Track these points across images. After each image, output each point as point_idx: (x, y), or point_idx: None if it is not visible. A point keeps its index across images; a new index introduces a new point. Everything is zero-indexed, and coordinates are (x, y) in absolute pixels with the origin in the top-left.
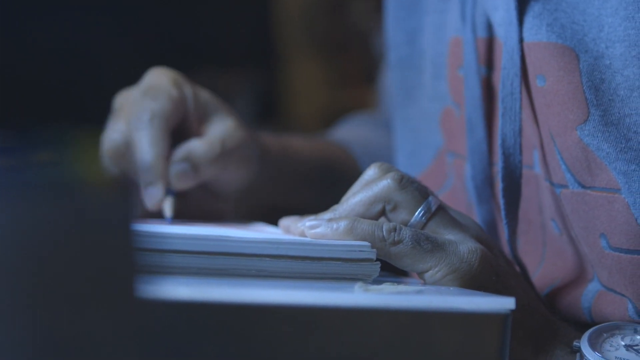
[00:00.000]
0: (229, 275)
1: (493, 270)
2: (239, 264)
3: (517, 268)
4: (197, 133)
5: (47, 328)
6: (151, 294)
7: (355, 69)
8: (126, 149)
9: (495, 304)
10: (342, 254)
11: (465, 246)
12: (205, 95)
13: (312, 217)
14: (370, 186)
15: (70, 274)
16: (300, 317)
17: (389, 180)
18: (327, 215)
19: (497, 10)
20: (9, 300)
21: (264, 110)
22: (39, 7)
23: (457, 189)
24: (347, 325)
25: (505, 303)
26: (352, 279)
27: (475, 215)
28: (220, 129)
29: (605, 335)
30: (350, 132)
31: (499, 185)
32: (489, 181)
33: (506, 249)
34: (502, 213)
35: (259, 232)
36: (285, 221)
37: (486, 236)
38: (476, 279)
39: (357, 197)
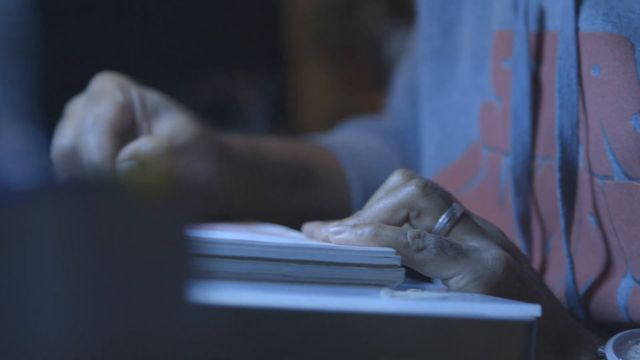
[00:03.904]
0: (255, 279)
1: (517, 277)
2: (265, 268)
3: (569, 262)
4: (148, 133)
5: (104, 326)
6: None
7: (365, 73)
8: (74, 154)
9: (521, 311)
10: (367, 260)
11: (489, 253)
12: (153, 96)
13: (336, 222)
14: (394, 192)
15: (125, 276)
16: (327, 322)
17: (413, 187)
18: (351, 221)
19: (555, 0)
20: (66, 299)
21: (273, 113)
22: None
23: (489, 183)
24: (374, 331)
25: (530, 310)
26: (377, 285)
27: (511, 207)
28: (169, 126)
29: (630, 342)
30: (342, 137)
31: (538, 179)
32: (529, 173)
33: (537, 245)
34: (559, 204)
35: (283, 237)
36: (308, 226)
37: (510, 243)
38: (500, 286)
39: (381, 203)
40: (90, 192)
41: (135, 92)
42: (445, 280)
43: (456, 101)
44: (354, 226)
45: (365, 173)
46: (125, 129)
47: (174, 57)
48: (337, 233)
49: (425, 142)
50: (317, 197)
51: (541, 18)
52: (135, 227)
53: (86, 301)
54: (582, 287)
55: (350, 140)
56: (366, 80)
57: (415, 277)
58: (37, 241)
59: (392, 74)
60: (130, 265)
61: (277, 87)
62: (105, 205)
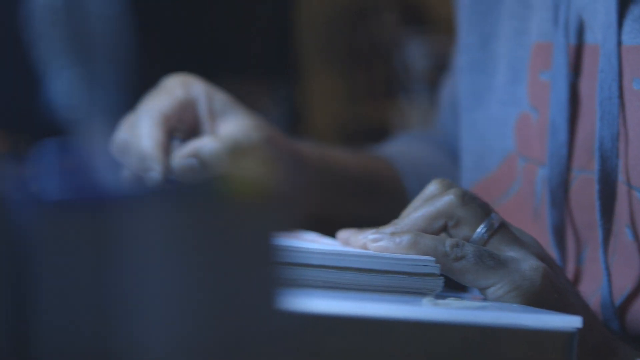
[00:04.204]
0: (295, 285)
1: (554, 287)
2: (306, 274)
3: (606, 274)
4: (211, 132)
5: (196, 329)
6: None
7: (376, 82)
8: (128, 146)
9: (562, 322)
10: (407, 268)
11: (527, 264)
12: (221, 96)
13: (374, 230)
14: (432, 202)
15: (213, 281)
16: (371, 328)
17: (451, 197)
18: (389, 229)
19: (597, 14)
20: (160, 302)
21: (284, 121)
22: None
23: (524, 194)
24: (418, 338)
25: (571, 321)
26: (415, 292)
27: (545, 218)
28: (235, 128)
29: None
30: (398, 148)
31: (573, 191)
32: (564, 185)
33: (571, 256)
34: (597, 215)
35: (317, 243)
36: (343, 233)
37: (546, 254)
38: (538, 297)
39: (419, 212)
40: (188, 197)
41: (202, 90)
42: (483, 290)
43: (492, 112)
44: (393, 234)
45: (423, 181)
46: (187, 126)
47: (184, 65)
48: (375, 240)
49: (463, 153)
50: (379, 206)
51: (581, 31)
52: (230, 233)
53: (179, 305)
54: (618, 299)
55: (408, 149)
56: (378, 89)
57: (450, 286)
58: (134, 245)
59: (404, 81)
60: (223, 271)
61: (288, 95)
62: (204, 211)
